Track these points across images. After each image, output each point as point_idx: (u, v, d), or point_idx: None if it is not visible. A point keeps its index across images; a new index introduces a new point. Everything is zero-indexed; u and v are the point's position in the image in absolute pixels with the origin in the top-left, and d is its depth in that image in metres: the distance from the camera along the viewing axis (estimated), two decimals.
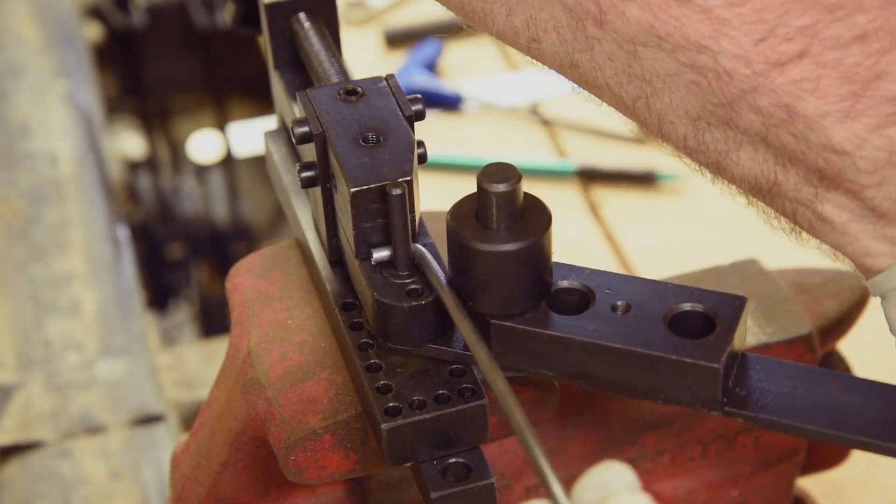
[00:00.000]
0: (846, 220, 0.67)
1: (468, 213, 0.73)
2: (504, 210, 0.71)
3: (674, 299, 0.72)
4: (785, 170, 0.67)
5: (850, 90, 0.64)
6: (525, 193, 0.73)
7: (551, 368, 0.74)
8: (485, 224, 0.72)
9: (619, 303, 0.72)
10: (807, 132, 0.65)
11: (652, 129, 0.71)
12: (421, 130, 0.77)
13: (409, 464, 0.75)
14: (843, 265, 0.70)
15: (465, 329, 0.71)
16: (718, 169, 0.71)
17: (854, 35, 0.63)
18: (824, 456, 0.96)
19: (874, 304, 0.99)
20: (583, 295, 0.74)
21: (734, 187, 0.72)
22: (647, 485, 0.90)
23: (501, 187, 0.71)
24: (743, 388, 0.71)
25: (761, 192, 0.70)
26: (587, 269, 0.75)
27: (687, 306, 0.72)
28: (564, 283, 0.74)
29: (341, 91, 0.79)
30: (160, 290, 2.22)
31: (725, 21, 0.64)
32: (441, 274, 0.74)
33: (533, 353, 0.74)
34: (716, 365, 0.69)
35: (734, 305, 0.72)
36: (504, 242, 0.71)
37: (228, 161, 2.36)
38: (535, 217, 0.73)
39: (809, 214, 0.68)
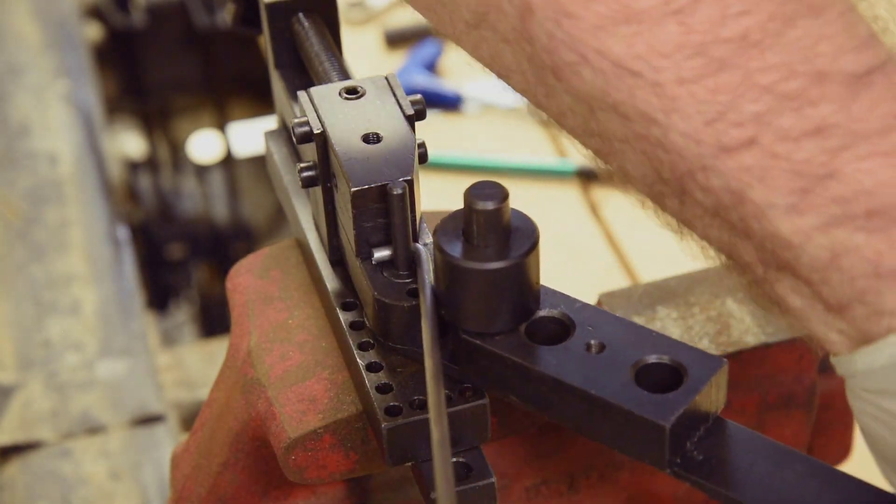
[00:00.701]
0: (800, 305, 0.64)
1: (457, 227, 0.72)
2: (485, 228, 0.70)
3: (651, 349, 0.70)
4: (741, 245, 0.65)
5: (800, 185, 0.61)
6: (518, 214, 0.72)
7: (514, 394, 0.72)
8: (468, 239, 0.70)
9: (594, 342, 0.71)
10: (755, 219, 0.62)
11: (617, 179, 0.70)
12: (421, 130, 0.77)
13: (409, 463, 0.75)
14: None
15: (426, 333, 0.70)
16: (683, 227, 0.69)
17: (808, 128, 0.61)
18: (824, 456, 0.96)
19: None
20: (563, 326, 0.72)
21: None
22: (648, 485, 0.90)
23: (483, 205, 0.69)
24: (701, 453, 0.69)
25: (724, 257, 0.68)
26: (579, 301, 0.74)
27: (659, 358, 0.70)
28: (547, 312, 0.73)
29: (342, 91, 0.79)
30: (160, 290, 2.23)
31: (676, 98, 0.62)
32: (430, 277, 0.73)
33: (498, 375, 0.72)
34: (663, 423, 0.67)
35: (709, 366, 0.69)
36: (480, 260, 0.70)
37: (228, 161, 2.36)
38: (520, 238, 0.71)
39: (767, 290, 0.65)
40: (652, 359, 0.69)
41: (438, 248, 0.70)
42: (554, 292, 0.74)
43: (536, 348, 0.71)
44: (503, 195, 0.70)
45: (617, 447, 0.70)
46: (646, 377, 0.69)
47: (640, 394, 0.68)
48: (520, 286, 0.71)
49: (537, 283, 0.72)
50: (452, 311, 0.72)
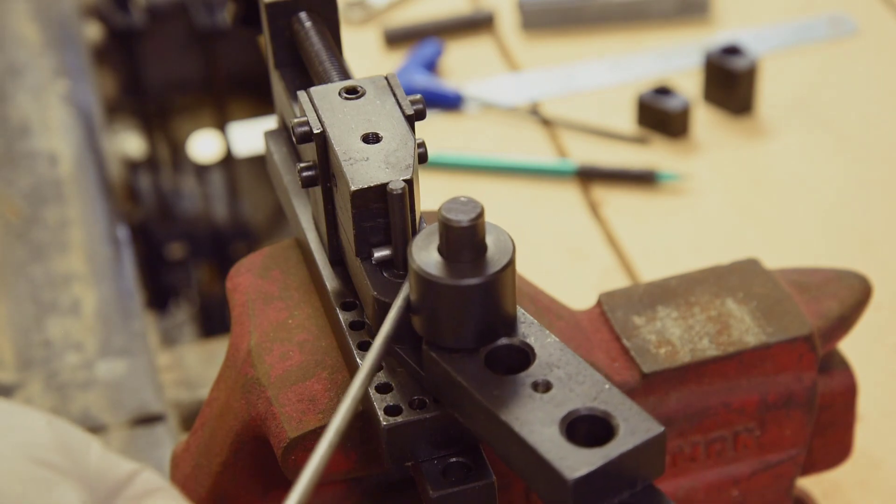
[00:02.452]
0: None
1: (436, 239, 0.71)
2: (455, 244, 0.69)
3: (595, 400, 0.69)
4: None
5: None
6: (501, 234, 0.71)
7: (459, 412, 0.72)
8: (441, 252, 0.70)
9: (542, 380, 0.69)
10: None
11: None
12: (421, 130, 0.77)
13: (409, 463, 0.75)
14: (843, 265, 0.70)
15: (383, 328, 0.71)
16: None
17: None
18: (824, 456, 0.96)
19: (874, 303, 1.00)
20: (523, 358, 0.72)
21: None
22: None
23: (457, 221, 0.68)
24: None
25: None
26: (552, 337, 0.73)
27: (592, 411, 0.68)
28: (511, 341, 0.72)
29: (342, 90, 0.79)
30: (160, 290, 2.22)
31: None
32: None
33: (448, 391, 0.72)
34: (568, 477, 0.65)
35: (645, 430, 0.67)
36: (449, 276, 0.69)
37: (228, 161, 2.36)
38: (493, 260, 0.70)
39: None
40: (585, 411, 0.68)
41: (411, 256, 0.70)
42: (532, 322, 0.73)
43: (486, 374, 0.70)
44: (476, 212, 0.69)
45: (535, 490, 0.69)
46: (578, 428, 0.68)
47: (561, 442, 0.66)
48: (483, 307, 0.70)
49: (508, 307, 0.71)
50: (418, 320, 0.72)
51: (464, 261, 0.69)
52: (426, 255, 0.70)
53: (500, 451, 0.70)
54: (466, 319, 0.70)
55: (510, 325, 0.72)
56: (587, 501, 0.66)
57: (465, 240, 0.69)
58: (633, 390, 0.87)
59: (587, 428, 0.68)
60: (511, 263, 0.70)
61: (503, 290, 0.70)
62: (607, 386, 0.69)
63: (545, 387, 0.69)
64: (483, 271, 0.69)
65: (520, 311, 0.73)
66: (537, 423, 0.67)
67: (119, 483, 0.68)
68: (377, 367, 0.71)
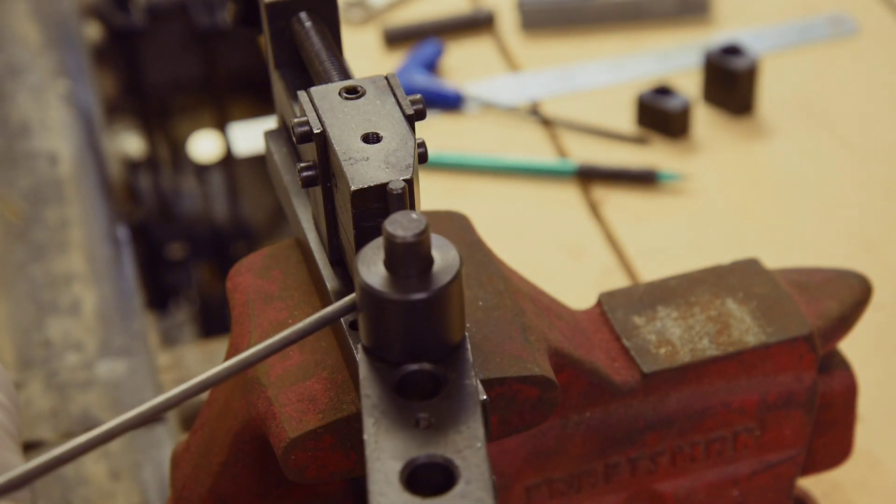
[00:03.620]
0: None
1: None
2: (391, 257, 0.68)
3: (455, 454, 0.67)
4: None
5: None
6: (449, 250, 0.70)
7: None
8: (384, 262, 0.70)
9: (424, 416, 0.68)
10: None
11: None
12: (421, 130, 0.77)
13: None
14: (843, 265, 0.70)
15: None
16: None
17: None
18: (824, 456, 0.96)
19: (874, 303, 1.00)
20: (431, 383, 0.71)
21: None
22: (648, 485, 0.90)
23: (399, 237, 0.68)
24: None
25: None
26: (486, 374, 0.72)
27: (430, 459, 0.67)
28: (424, 367, 0.71)
29: (342, 90, 0.79)
30: (160, 290, 2.23)
31: None
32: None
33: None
34: None
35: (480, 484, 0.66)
36: (376, 285, 0.68)
37: (228, 161, 2.36)
38: (429, 280, 0.69)
39: None
40: (424, 459, 0.67)
41: (355, 262, 0.70)
42: (468, 362, 0.72)
43: (382, 391, 0.70)
44: (415, 231, 0.68)
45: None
46: (429, 476, 0.67)
47: (398, 490, 0.65)
48: (408, 327, 0.69)
49: (437, 328, 0.70)
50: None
51: (390, 272, 0.69)
52: (366, 264, 0.69)
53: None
54: (388, 333, 0.70)
55: (442, 344, 0.70)
56: None
57: (398, 254, 0.68)
58: (633, 390, 0.87)
59: (433, 478, 0.67)
60: (447, 282, 0.69)
61: (425, 314, 0.69)
62: (480, 447, 0.68)
63: (426, 423, 0.68)
64: (408, 290, 0.68)
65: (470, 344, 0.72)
66: (391, 463, 0.67)
67: None
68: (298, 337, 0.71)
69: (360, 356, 0.71)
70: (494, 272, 0.85)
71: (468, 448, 0.66)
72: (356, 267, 0.69)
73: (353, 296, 0.71)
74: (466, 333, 0.72)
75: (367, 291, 0.69)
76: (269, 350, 0.71)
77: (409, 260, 0.68)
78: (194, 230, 2.33)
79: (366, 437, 0.68)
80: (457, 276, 0.69)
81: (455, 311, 0.70)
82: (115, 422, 0.69)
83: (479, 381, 0.72)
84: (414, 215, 0.68)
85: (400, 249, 0.68)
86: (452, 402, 0.69)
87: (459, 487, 0.64)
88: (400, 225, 0.68)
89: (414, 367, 0.70)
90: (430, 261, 0.69)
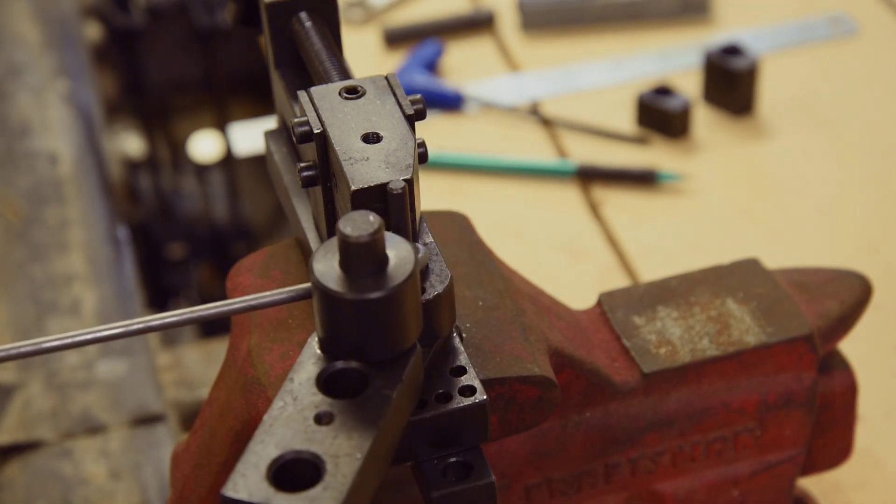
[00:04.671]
0: None
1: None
2: (344, 256, 0.69)
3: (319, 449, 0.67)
4: None
5: None
6: (405, 249, 0.70)
7: None
8: (341, 265, 0.70)
9: (327, 413, 0.69)
10: None
11: None
12: (421, 130, 0.77)
13: (409, 463, 0.75)
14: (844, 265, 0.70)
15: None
16: None
17: None
18: (824, 456, 0.96)
19: (874, 304, 1.00)
20: (358, 382, 0.71)
21: None
22: (648, 485, 0.90)
23: (350, 236, 0.68)
24: None
25: None
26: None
27: (297, 455, 0.67)
28: (352, 366, 0.71)
29: (342, 90, 0.79)
30: (160, 290, 2.22)
31: None
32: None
33: None
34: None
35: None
36: (328, 283, 0.69)
37: (228, 161, 2.36)
38: (378, 281, 0.69)
39: None
40: (292, 455, 0.67)
41: (310, 266, 0.70)
42: (402, 373, 0.71)
43: (309, 384, 0.70)
44: (367, 231, 0.68)
45: None
46: (291, 469, 0.67)
47: (259, 476, 0.66)
48: (343, 324, 0.70)
49: (382, 331, 0.70)
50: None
51: (343, 271, 0.69)
52: (322, 261, 0.70)
53: None
54: (336, 329, 0.70)
55: (382, 345, 0.70)
56: None
57: (350, 254, 0.68)
58: (634, 390, 0.87)
59: (300, 472, 0.67)
60: (398, 291, 0.69)
61: (394, 309, 0.69)
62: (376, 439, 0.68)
63: (327, 419, 0.69)
64: (359, 290, 0.68)
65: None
66: (289, 439, 0.67)
67: None
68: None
69: (309, 340, 0.72)
70: (494, 272, 0.85)
71: (347, 456, 0.66)
72: (311, 261, 0.70)
73: (307, 284, 0.72)
74: (419, 349, 0.72)
75: (317, 286, 0.69)
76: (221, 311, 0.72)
77: (362, 259, 0.68)
78: (194, 230, 2.33)
79: (266, 416, 0.68)
80: (407, 280, 0.69)
81: (402, 318, 0.70)
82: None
83: (397, 395, 0.71)
84: (371, 217, 0.68)
85: (353, 249, 0.68)
86: (363, 409, 0.69)
87: (313, 491, 0.65)
88: (353, 224, 0.68)
89: (342, 364, 0.71)
90: (384, 262, 0.69)
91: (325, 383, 0.70)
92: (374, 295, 0.68)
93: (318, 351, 0.71)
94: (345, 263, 0.69)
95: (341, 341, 0.70)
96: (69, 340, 0.72)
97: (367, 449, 0.67)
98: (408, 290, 0.69)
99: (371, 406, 0.69)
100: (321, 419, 0.68)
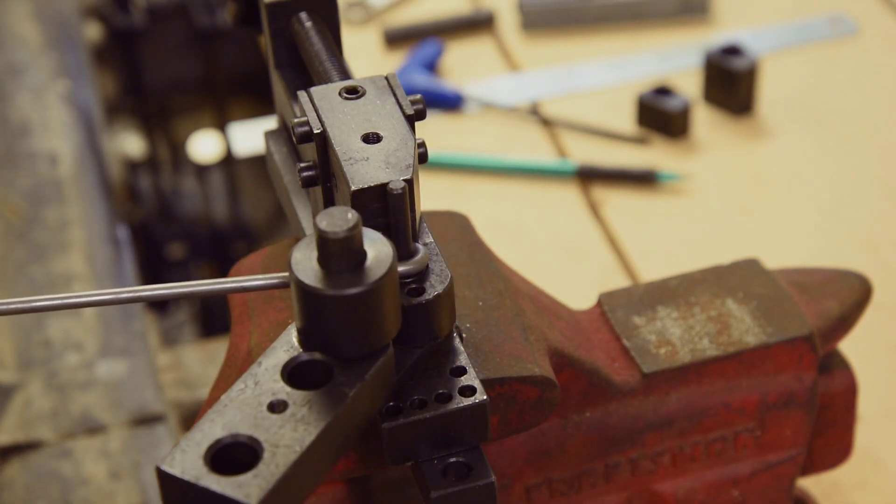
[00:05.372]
0: None
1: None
2: (324, 252, 0.69)
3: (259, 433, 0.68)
4: None
5: None
6: (383, 246, 0.70)
7: None
8: (319, 261, 0.70)
9: (280, 401, 0.69)
10: None
11: None
12: (421, 130, 0.77)
13: (409, 463, 0.75)
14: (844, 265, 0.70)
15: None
16: None
17: None
18: (824, 456, 0.96)
19: (874, 304, 1.00)
20: (322, 375, 0.70)
21: None
22: (648, 485, 0.90)
23: (327, 231, 0.68)
24: None
25: None
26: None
27: (234, 439, 0.67)
28: (316, 357, 0.71)
29: (342, 90, 0.79)
30: None
31: None
32: None
33: None
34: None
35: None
36: (303, 275, 0.69)
37: (228, 161, 2.36)
38: (358, 275, 0.69)
39: None
40: (230, 439, 0.67)
41: (289, 262, 0.70)
42: (367, 373, 0.71)
43: (276, 382, 0.70)
44: (343, 227, 0.68)
45: None
46: (232, 452, 0.68)
47: (197, 455, 0.66)
48: (308, 316, 0.70)
49: (353, 327, 0.70)
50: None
51: (323, 266, 0.69)
52: (301, 257, 0.70)
53: None
54: (311, 322, 0.70)
55: (359, 343, 0.70)
56: None
57: (329, 249, 0.68)
58: (633, 390, 0.87)
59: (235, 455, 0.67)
60: (374, 289, 0.69)
61: (367, 309, 0.69)
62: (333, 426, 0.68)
63: (280, 407, 0.69)
64: (338, 285, 0.68)
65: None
66: (250, 419, 0.68)
67: None
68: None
69: (287, 329, 0.72)
70: (494, 272, 0.85)
71: (286, 447, 0.67)
72: (290, 252, 0.70)
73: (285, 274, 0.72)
74: (391, 350, 0.72)
75: (292, 278, 0.69)
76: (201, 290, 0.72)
77: (339, 255, 0.68)
78: (194, 230, 2.33)
79: (223, 396, 0.68)
80: (383, 278, 0.69)
81: (379, 314, 0.70)
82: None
83: (355, 395, 0.71)
84: (349, 214, 0.68)
85: (329, 244, 0.68)
86: (318, 403, 0.69)
87: (243, 477, 0.65)
88: (331, 219, 0.68)
89: (308, 356, 0.71)
90: (361, 258, 0.69)
91: (290, 373, 0.70)
92: (348, 291, 0.68)
93: (294, 340, 0.71)
94: (322, 258, 0.69)
95: (314, 334, 0.70)
96: (59, 302, 0.72)
97: (309, 443, 0.67)
98: (383, 288, 0.69)
99: (326, 401, 0.69)
100: (274, 407, 0.69)
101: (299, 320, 0.71)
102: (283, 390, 0.69)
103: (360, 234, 0.69)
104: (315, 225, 0.68)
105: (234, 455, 0.67)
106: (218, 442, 0.67)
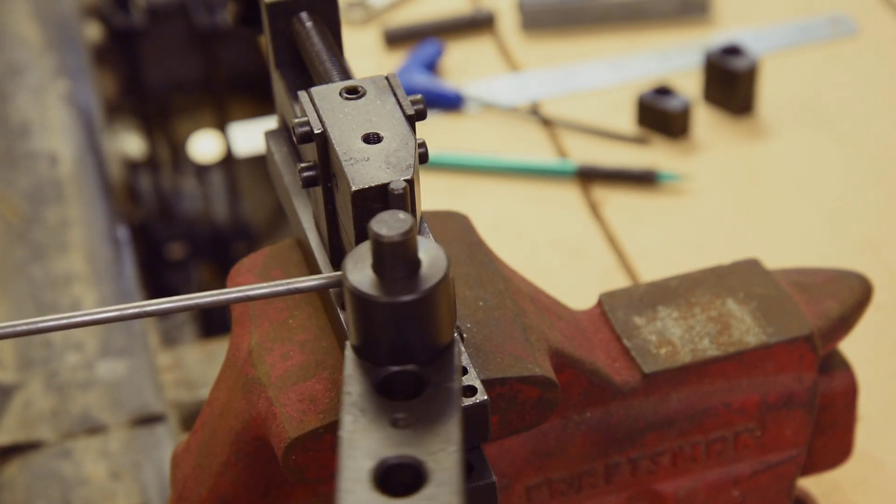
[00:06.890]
0: None
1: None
2: (378, 257, 0.69)
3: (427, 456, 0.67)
4: None
5: None
6: (437, 251, 0.70)
7: None
8: (373, 268, 0.69)
9: (402, 416, 0.68)
10: None
11: None
12: (421, 130, 0.77)
13: None
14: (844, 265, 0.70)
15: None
16: None
17: None
18: (824, 456, 0.96)
19: (874, 304, 1.00)
20: (415, 384, 0.70)
21: None
22: (648, 485, 0.90)
23: (385, 236, 0.68)
24: None
25: None
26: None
27: (398, 460, 0.66)
28: (408, 368, 0.70)
29: (342, 90, 0.79)
30: (160, 290, 2.22)
31: None
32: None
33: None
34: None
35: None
36: (361, 286, 0.68)
37: (228, 161, 2.36)
38: (416, 282, 0.69)
39: None
40: (395, 459, 0.67)
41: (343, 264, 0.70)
42: (453, 365, 0.71)
43: (364, 390, 0.70)
44: (400, 231, 0.67)
45: None
46: (391, 477, 0.66)
47: (367, 488, 0.65)
48: (386, 328, 0.69)
49: (423, 331, 0.70)
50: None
51: (378, 273, 0.69)
52: (356, 262, 0.69)
53: None
54: (372, 334, 0.70)
55: (416, 349, 0.70)
56: None
57: (383, 254, 0.68)
58: (634, 390, 0.87)
59: (400, 476, 0.67)
60: (429, 294, 0.68)
61: (433, 309, 0.69)
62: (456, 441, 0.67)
63: (404, 423, 0.68)
64: (394, 292, 0.68)
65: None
66: (371, 450, 0.67)
67: None
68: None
69: (347, 353, 0.71)
70: (495, 272, 0.85)
71: (442, 451, 0.66)
72: (344, 267, 0.69)
73: (337, 273, 0.72)
74: (457, 335, 0.72)
75: (354, 293, 0.69)
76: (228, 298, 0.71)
77: (396, 260, 0.68)
78: (194, 230, 2.33)
79: (341, 433, 0.67)
80: (444, 279, 0.69)
81: (442, 313, 0.70)
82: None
83: (462, 385, 0.71)
84: (401, 215, 0.68)
85: (386, 249, 0.68)
86: (432, 405, 0.69)
87: (428, 490, 0.64)
88: (385, 224, 0.68)
89: (397, 368, 0.70)
90: (417, 262, 0.69)
91: (385, 389, 0.70)
92: (408, 297, 0.68)
93: (358, 359, 0.71)
94: (378, 266, 0.68)
95: (381, 346, 0.70)
96: (65, 321, 0.72)
97: (457, 439, 0.67)
98: (443, 288, 0.69)
99: (440, 401, 0.69)
100: (398, 423, 0.68)
101: (360, 336, 0.70)
102: (393, 407, 0.68)
103: (415, 236, 0.68)
104: (371, 232, 0.68)
105: (395, 478, 0.66)
106: (377, 469, 0.65)
